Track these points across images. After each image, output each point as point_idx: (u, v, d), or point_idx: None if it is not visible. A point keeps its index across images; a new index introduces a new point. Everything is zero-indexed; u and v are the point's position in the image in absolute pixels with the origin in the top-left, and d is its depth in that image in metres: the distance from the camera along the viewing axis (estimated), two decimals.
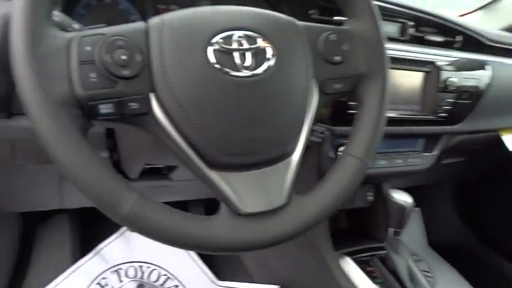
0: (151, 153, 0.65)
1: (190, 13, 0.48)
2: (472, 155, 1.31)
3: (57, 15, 0.52)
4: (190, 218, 0.46)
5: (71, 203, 0.91)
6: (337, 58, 0.55)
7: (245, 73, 0.48)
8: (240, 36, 0.48)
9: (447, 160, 1.22)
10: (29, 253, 1.13)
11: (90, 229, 1.18)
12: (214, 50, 0.47)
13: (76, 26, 0.54)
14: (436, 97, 0.94)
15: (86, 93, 0.42)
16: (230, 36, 0.48)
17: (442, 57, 0.96)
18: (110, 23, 0.78)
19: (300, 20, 0.55)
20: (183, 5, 0.85)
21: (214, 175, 0.48)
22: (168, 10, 0.81)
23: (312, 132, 0.58)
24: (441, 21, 1.01)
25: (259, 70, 0.48)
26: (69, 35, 0.44)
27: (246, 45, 0.48)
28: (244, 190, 0.48)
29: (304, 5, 0.82)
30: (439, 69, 0.93)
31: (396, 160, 0.98)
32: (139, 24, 0.47)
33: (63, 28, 0.53)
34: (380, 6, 0.94)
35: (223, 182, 0.48)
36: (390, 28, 0.97)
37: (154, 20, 0.47)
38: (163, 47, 0.45)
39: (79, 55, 0.43)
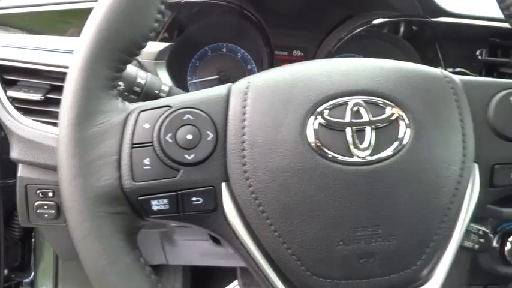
0: None
1: (287, 72, 0.35)
2: None
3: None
4: None
5: (173, 260, 0.87)
6: None
7: (361, 158, 0.32)
8: (358, 104, 0.33)
9: None
10: None
11: (202, 284, 1.13)
12: (318, 125, 0.33)
13: (166, 88, 0.47)
14: None
15: (134, 186, 0.32)
16: (343, 105, 0.33)
17: None
18: (224, 74, 0.73)
19: (462, 66, 0.37)
20: (307, 50, 0.75)
21: None
22: (289, 58, 0.71)
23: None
24: None
25: (384, 153, 0.32)
26: (131, 107, 0.35)
27: (366, 117, 0.33)
28: None
29: (466, 45, 0.61)
30: None
31: None
32: (219, 90, 0.35)
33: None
34: None
35: None
36: None
37: (239, 83, 0.35)
38: (245, 119, 0.33)
39: (133, 135, 0.33)
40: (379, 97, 0.33)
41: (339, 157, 0.32)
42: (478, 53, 0.62)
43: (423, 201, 0.33)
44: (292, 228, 0.32)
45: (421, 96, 0.34)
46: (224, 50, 0.71)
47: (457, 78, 0.36)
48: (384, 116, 0.33)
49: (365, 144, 0.32)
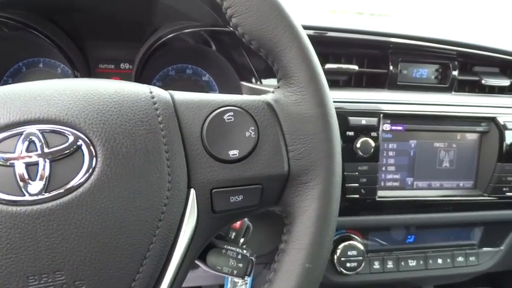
0: None
1: None
2: None
3: None
4: None
5: None
6: (234, 153, 0.33)
7: (33, 196, 0.28)
8: (32, 134, 0.29)
9: None
10: None
11: None
12: None
13: None
14: (497, 169, 0.64)
15: None
16: (16, 136, 0.29)
17: (507, 109, 0.66)
18: None
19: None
20: (134, 62, 0.70)
21: None
22: (116, 71, 0.67)
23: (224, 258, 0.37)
24: (503, 57, 0.71)
25: (63, 189, 0.29)
26: None
27: (39, 150, 0.29)
28: None
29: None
30: (502, 128, 0.63)
31: (437, 260, 0.68)
32: None
33: None
34: (404, 45, 0.69)
35: None
36: (422, 73, 0.70)
37: None
38: None
39: None
40: (60, 125, 0.30)
41: (7, 197, 0.28)
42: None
43: (115, 238, 0.29)
44: None
45: (115, 121, 0.31)
46: (41, 65, 0.66)
47: (171, 97, 0.34)
48: (63, 146, 0.29)
49: (38, 180, 0.28)
